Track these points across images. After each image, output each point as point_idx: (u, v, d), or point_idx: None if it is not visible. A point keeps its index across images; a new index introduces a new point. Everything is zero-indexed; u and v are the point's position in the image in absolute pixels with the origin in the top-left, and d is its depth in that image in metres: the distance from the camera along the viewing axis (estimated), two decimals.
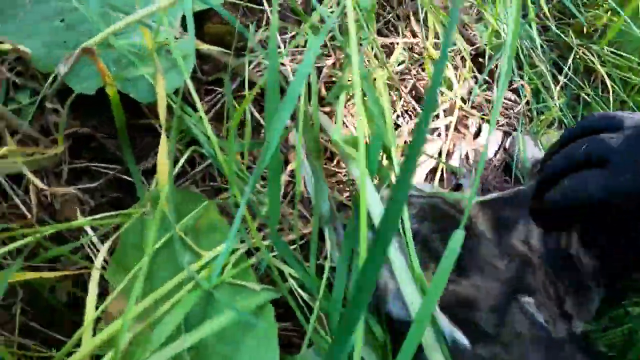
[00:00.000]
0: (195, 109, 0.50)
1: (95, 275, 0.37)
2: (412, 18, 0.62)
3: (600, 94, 0.77)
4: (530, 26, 0.76)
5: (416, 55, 0.63)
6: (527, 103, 0.69)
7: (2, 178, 0.49)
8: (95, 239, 0.45)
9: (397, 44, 0.63)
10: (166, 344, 0.35)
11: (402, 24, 0.62)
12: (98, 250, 0.48)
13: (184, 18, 0.48)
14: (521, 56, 0.71)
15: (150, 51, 0.41)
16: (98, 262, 0.38)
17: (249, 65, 0.54)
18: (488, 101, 0.67)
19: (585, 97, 0.75)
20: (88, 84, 0.46)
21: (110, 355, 0.33)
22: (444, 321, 0.39)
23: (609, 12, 0.90)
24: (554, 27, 0.84)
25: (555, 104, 0.68)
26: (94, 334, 0.37)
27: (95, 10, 0.48)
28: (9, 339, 0.45)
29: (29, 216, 0.50)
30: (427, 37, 0.62)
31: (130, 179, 0.49)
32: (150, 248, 0.36)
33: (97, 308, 0.44)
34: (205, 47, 0.49)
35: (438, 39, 0.63)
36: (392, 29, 0.63)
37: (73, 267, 0.50)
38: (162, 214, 0.40)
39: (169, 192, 0.41)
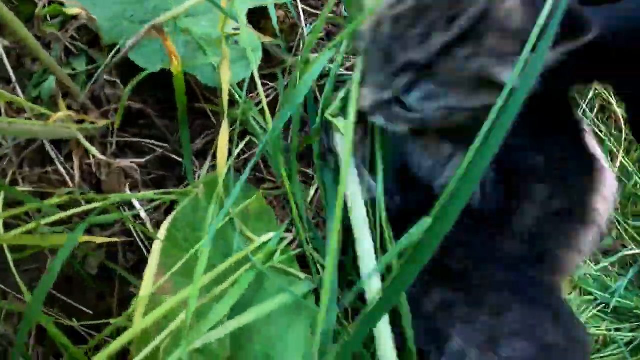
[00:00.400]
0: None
1: (156, 248, 0.38)
2: None
3: (613, 131, 0.82)
4: None
5: None
6: None
7: (47, 142, 0.49)
8: (143, 214, 0.46)
9: None
10: (221, 323, 0.37)
11: None
12: (141, 223, 0.48)
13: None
14: None
15: (220, 40, 0.42)
16: (161, 233, 0.39)
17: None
18: None
19: (599, 133, 0.80)
20: (152, 61, 0.47)
21: (174, 326, 0.34)
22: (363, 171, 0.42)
23: None
24: None
25: None
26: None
27: None
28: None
29: (71, 184, 0.50)
30: None
31: (178, 158, 0.50)
32: (213, 229, 0.37)
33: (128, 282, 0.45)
34: (267, 39, 0.51)
35: None
36: None
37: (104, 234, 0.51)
38: (218, 198, 0.42)
39: (227, 178, 0.43)
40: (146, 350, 0.34)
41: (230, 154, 0.46)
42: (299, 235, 0.46)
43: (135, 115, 0.52)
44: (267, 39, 0.51)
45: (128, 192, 0.47)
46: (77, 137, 0.45)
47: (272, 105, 0.55)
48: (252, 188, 0.48)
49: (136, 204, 0.46)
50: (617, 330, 0.71)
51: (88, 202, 0.41)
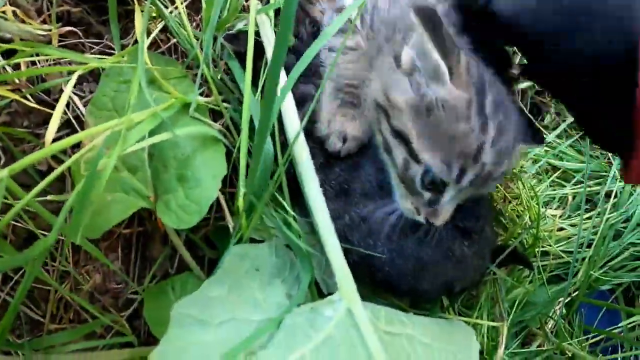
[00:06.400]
0: None
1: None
2: None
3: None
4: None
5: None
6: None
7: None
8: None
9: None
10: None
11: None
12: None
13: None
14: None
15: None
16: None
17: None
18: None
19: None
20: None
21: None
22: None
23: None
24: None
25: None
26: None
27: None
28: None
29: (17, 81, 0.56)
30: None
31: (113, 51, 0.57)
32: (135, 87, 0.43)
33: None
34: None
35: None
36: None
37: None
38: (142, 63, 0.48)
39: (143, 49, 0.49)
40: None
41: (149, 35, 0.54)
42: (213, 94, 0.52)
43: (75, 22, 0.59)
44: None
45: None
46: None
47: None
48: (173, 61, 0.55)
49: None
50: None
51: None
